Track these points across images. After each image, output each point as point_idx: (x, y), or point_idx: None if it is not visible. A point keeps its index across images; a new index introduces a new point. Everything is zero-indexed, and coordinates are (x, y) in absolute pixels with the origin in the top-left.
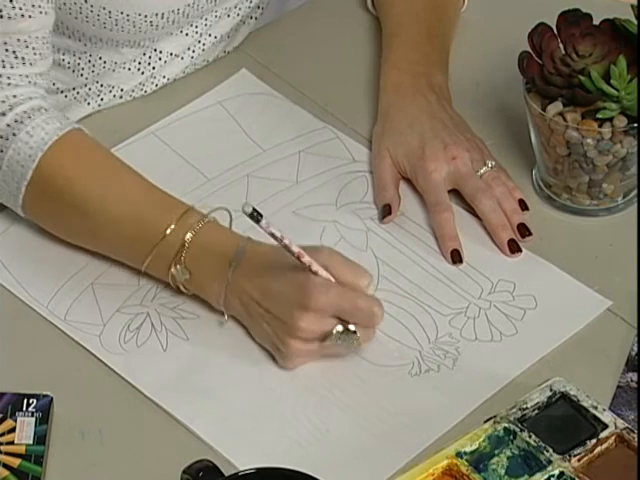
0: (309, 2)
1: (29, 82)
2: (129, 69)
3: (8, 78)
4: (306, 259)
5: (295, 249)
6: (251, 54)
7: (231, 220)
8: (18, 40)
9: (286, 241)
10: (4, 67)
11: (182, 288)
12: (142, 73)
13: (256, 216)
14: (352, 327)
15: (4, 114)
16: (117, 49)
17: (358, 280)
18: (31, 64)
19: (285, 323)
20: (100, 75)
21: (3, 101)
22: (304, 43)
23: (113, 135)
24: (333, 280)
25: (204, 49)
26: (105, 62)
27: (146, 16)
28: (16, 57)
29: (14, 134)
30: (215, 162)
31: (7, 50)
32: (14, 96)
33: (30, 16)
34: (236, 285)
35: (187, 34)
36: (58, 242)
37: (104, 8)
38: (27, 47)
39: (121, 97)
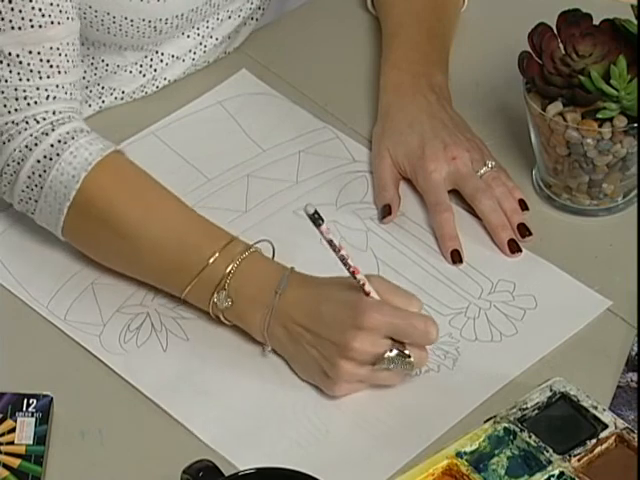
0: (309, 2)
1: (65, 93)
2: (131, 72)
3: (46, 90)
4: (360, 277)
5: (352, 263)
6: (251, 54)
7: (274, 251)
8: (50, 48)
9: (343, 252)
10: (41, 78)
11: (222, 317)
12: (144, 76)
13: (317, 219)
14: (407, 351)
15: (47, 133)
16: (120, 52)
17: (409, 306)
18: (65, 72)
19: (337, 345)
20: (102, 78)
21: (44, 118)
22: (304, 43)
23: (113, 135)
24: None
25: (205, 51)
26: (107, 65)
27: (150, 21)
28: (51, 66)
29: (58, 154)
30: (215, 162)
31: (42, 60)
32: (54, 112)
33: (59, 22)
34: (281, 312)
35: (189, 36)
36: (58, 242)
37: (108, 13)
38: (60, 55)
39: (122, 99)
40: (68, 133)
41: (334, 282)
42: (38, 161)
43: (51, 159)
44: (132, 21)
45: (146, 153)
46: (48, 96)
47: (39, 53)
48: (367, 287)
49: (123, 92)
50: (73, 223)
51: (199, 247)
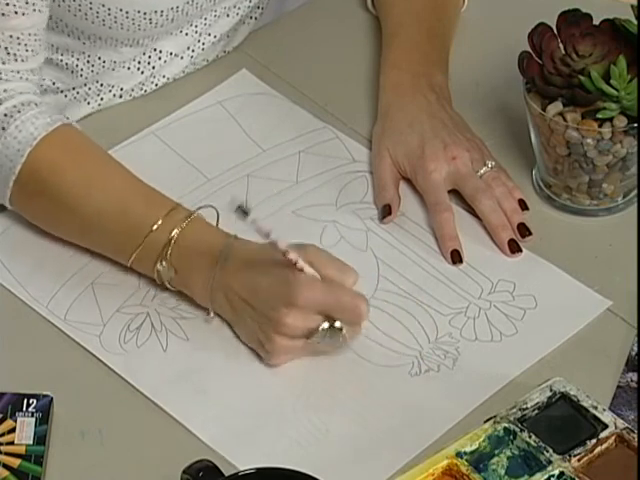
0: (309, 2)
1: (20, 77)
2: (128, 68)
3: (0, 73)
4: (292, 255)
5: (282, 245)
6: (251, 54)
7: (218, 218)
8: (10, 37)
9: (273, 237)
10: None
11: (168, 285)
12: (142, 73)
13: (242, 212)
14: (338, 324)
15: None
16: (116, 49)
17: (344, 277)
18: (23, 60)
19: (271, 319)
20: (100, 74)
21: None
22: (304, 43)
23: (113, 135)
24: (319, 277)
25: (204, 48)
26: (104, 62)
27: (145, 13)
28: (8, 53)
29: (3, 128)
30: (215, 162)
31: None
32: (4, 90)
33: (24, 14)
34: (222, 281)
35: (187, 34)
36: (58, 242)
37: (103, 5)
38: (19, 44)
39: (121, 96)
40: (15, 107)
41: (273, 256)
42: None
43: None
44: (127, 13)
45: (146, 153)
46: (1, 78)
47: None
48: (300, 264)
49: (122, 89)
50: (19, 196)
51: (142, 215)
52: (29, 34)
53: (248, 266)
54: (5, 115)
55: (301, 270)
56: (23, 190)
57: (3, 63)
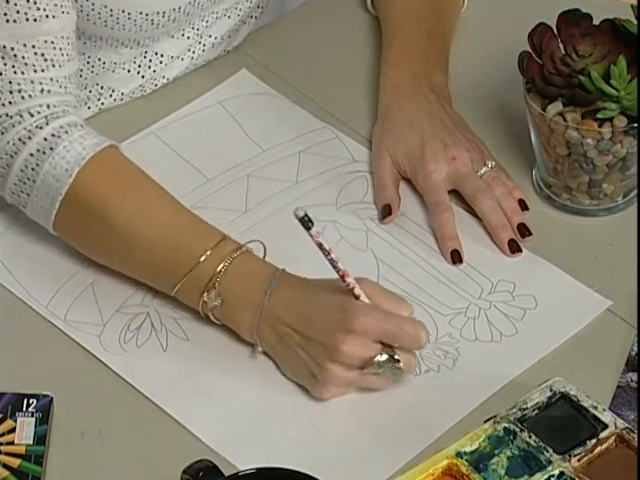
0: (309, 2)
1: (60, 87)
2: (128, 71)
3: (40, 84)
4: (350, 280)
5: (341, 267)
6: (251, 54)
7: (265, 252)
8: (45, 42)
9: (333, 256)
10: (35, 72)
11: (211, 316)
12: (142, 77)
13: (307, 222)
14: (396, 356)
15: (41, 127)
16: (116, 50)
17: (399, 311)
18: (60, 66)
19: (326, 346)
20: (99, 76)
21: (38, 112)
22: (304, 43)
23: (113, 135)
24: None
25: (204, 50)
26: (104, 63)
27: (147, 14)
28: (45, 59)
29: (51, 148)
30: (215, 162)
31: (36, 53)
32: (48, 106)
33: (54, 16)
34: (270, 314)
35: (188, 37)
36: (58, 242)
37: (105, 6)
38: (54, 49)
39: (122, 100)
40: (62, 127)
41: (324, 284)
42: (31, 154)
43: (44, 153)
44: (129, 14)
45: (146, 153)
46: (42, 89)
47: (34, 47)
48: (357, 290)
49: (122, 93)
50: (65, 218)
51: (190, 245)
52: (62, 37)
53: (298, 297)
54: (53, 135)
55: (357, 297)
56: (69, 211)
57: (42, 70)
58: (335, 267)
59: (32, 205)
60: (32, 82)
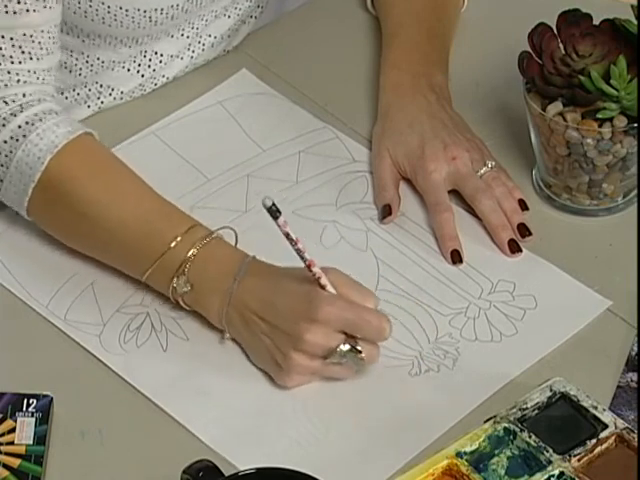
0: (309, 2)
1: (37, 78)
2: (128, 70)
3: (17, 74)
4: (316, 270)
5: (307, 257)
6: (251, 54)
7: (237, 239)
8: (24, 35)
9: (300, 246)
10: (12, 63)
11: (181, 302)
12: (142, 76)
13: (274, 212)
14: (359, 346)
15: (15, 115)
16: (115, 49)
17: (365, 301)
18: (38, 59)
19: (290, 335)
20: (99, 74)
21: (13, 100)
22: (304, 43)
23: (113, 135)
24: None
25: (204, 49)
26: (103, 62)
27: (145, 11)
28: (22, 52)
29: (24, 136)
30: (215, 162)
31: (14, 45)
32: (24, 95)
33: (35, 10)
34: (238, 300)
35: (188, 36)
36: (58, 242)
37: (103, 3)
38: (33, 42)
39: (121, 99)
40: (36, 115)
41: (292, 273)
42: (5, 142)
43: (17, 140)
44: (127, 11)
45: (146, 153)
46: (19, 80)
47: (12, 39)
48: (323, 280)
49: (122, 92)
50: (37, 204)
51: (161, 231)
52: (42, 31)
53: (266, 284)
54: (27, 123)
55: (323, 287)
56: (42, 198)
57: (20, 62)
58: (302, 257)
59: (5, 191)
60: (9, 72)
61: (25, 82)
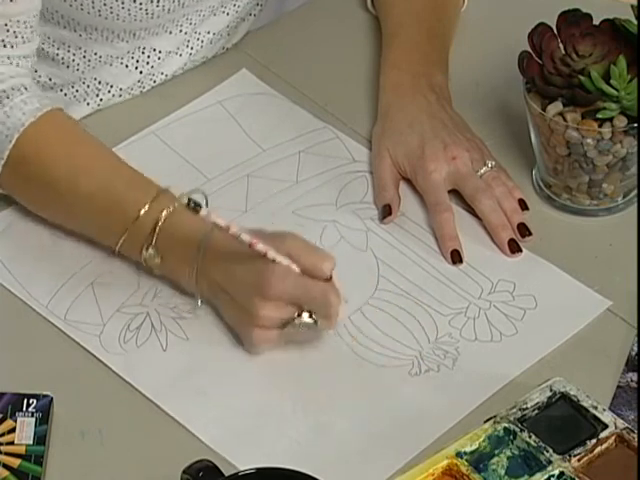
0: (309, 2)
1: (10, 63)
2: (126, 66)
3: None
4: (260, 247)
5: (246, 237)
6: (251, 54)
7: (207, 202)
8: None
9: (234, 229)
10: None
11: (155, 271)
12: (140, 72)
13: (193, 207)
14: (308, 318)
15: None
16: (112, 44)
17: (321, 265)
18: (12, 47)
19: (247, 310)
20: (96, 70)
21: None
22: (304, 43)
23: (113, 135)
24: (294, 266)
25: (202, 46)
26: (101, 57)
27: (141, 3)
28: None
29: None
30: (215, 162)
31: None
32: None
33: (11, 0)
34: (204, 270)
35: (186, 32)
36: (58, 242)
37: None
38: (8, 31)
39: (120, 96)
40: (4, 91)
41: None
42: None
43: None
44: (123, 3)
45: (146, 153)
46: None
47: None
48: (271, 254)
49: (121, 89)
50: (8, 180)
51: (130, 200)
52: (18, 21)
53: (225, 256)
54: None
55: (273, 261)
56: (12, 175)
57: None
58: (240, 240)
59: None
60: None
61: None
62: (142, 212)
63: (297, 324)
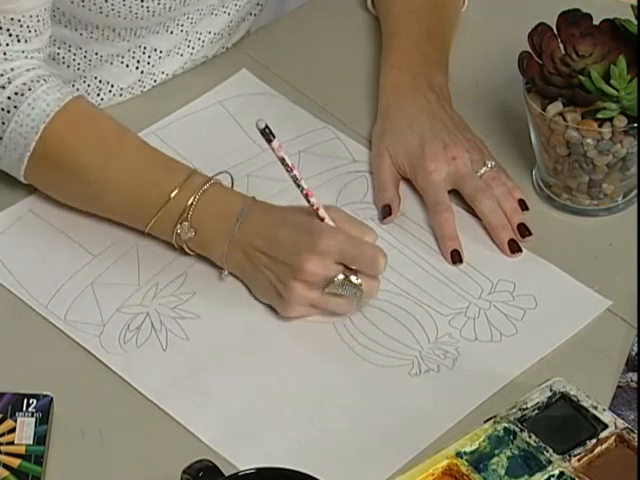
0: (309, 2)
1: (25, 57)
2: (127, 65)
3: (4, 54)
4: (314, 200)
5: (304, 185)
6: (251, 54)
7: (232, 183)
8: (12, 19)
9: (296, 172)
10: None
11: (186, 248)
12: (141, 72)
13: (268, 134)
14: (355, 278)
15: (4, 87)
16: (113, 42)
17: (364, 236)
18: (26, 41)
19: (291, 265)
20: (97, 68)
21: (1, 74)
22: (304, 43)
23: None
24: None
25: (203, 45)
26: (101, 56)
27: (143, 1)
28: (10, 35)
29: (15, 107)
30: (215, 162)
31: (1, 28)
32: (12, 69)
33: None
34: (242, 239)
35: (187, 31)
36: (58, 242)
37: None
38: (21, 26)
39: (121, 95)
40: (25, 84)
41: (293, 208)
42: None
43: (9, 112)
44: (124, 0)
45: None
46: (6, 59)
47: None
48: (321, 212)
49: (121, 88)
50: (34, 171)
51: (160, 183)
52: (30, 16)
53: (268, 222)
54: (16, 94)
55: (322, 219)
56: (38, 166)
57: (7, 45)
58: (298, 185)
59: (1, 159)
60: None
61: (12, 59)
62: (173, 194)
63: (340, 284)
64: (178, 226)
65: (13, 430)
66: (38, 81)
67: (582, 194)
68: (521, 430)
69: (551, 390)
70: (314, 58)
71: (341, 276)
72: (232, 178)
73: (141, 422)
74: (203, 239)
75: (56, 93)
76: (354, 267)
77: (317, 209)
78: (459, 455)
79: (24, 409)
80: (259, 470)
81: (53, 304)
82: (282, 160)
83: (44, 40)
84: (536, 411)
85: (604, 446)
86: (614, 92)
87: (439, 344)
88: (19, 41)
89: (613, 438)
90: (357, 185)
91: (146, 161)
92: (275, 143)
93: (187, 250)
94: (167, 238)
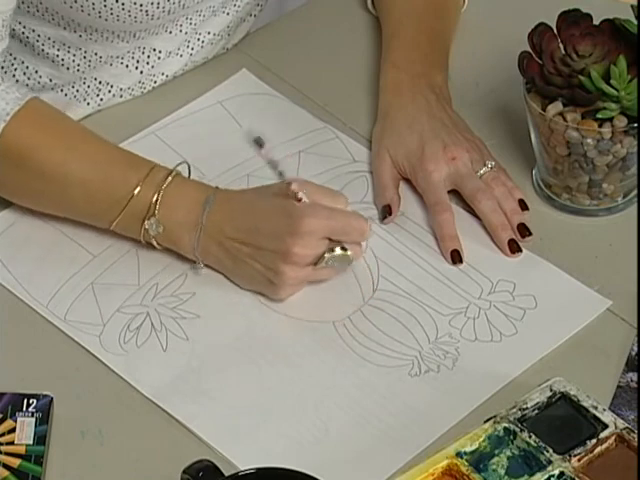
0: (309, 2)
1: None
2: (127, 66)
3: None
4: (295, 186)
5: (290, 175)
6: (251, 54)
7: (189, 171)
8: None
9: (280, 169)
10: None
11: (155, 243)
12: (141, 72)
13: (259, 144)
14: (343, 248)
15: None
16: (112, 44)
17: (336, 203)
18: None
19: (277, 252)
20: (97, 69)
21: None
22: (304, 43)
23: (113, 135)
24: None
25: (203, 46)
26: (101, 57)
27: (142, 5)
28: None
29: None
30: (215, 162)
31: None
32: None
33: None
34: (214, 229)
35: (186, 32)
36: (58, 242)
37: None
38: None
39: (121, 96)
40: None
41: (261, 192)
42: None
43: None
44: (123, 4)
45: (146, 153)
46: None
47: None
48: (299, 195)
49: (121, 89)
50: None
51: (122, 180)
52: None
53: (239, 208)
54: None
55: (299, 200)
56: (0, 166)
57: None
58: (284, 179)
59: None
60: None
61: None
62: (136, 191)
63: (331, 258)
64: (146, 222)
65: (13, 430)
66: None
67: (582, 194)
68: (521, 430)
69: (551, 390)
70: (314, 58)
71: (335, 251)
72: (189, 167)
73: (141, 422)
74: (172, 234)
75: (14, 93)
76: (342, 239)
77: (296, 194)
78: (459, 455)
79: (24, 409)
80: (259, 470)
81: (53, 304)
82: (272, 162)
83: (3, 47)
84: (536, 411)
85: (604, 446)
86: (614, 92)
87: (439, 344)
88: None
89: (613, 438)
90: (357, 185)
91: (108, 157)
92: (263, 151)
93: (156, 245)
94: (133, 235)
